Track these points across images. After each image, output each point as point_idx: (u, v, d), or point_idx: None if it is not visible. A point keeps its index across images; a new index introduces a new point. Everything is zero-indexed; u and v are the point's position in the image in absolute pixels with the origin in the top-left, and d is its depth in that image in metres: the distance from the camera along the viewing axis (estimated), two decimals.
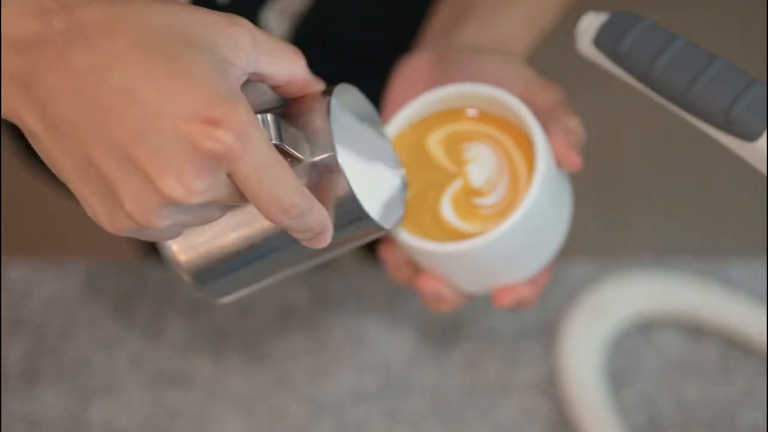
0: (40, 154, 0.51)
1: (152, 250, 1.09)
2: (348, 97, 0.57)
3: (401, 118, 0.64)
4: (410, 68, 0.68)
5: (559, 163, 0.62)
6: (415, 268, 0.65)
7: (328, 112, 0.54)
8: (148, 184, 0.48)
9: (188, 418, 0.87)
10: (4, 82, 0.49)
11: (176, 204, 0.49)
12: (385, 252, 0.65)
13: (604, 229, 1.88)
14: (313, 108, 0.55)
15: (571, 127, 0.63)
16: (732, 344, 0.87)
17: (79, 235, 1.60)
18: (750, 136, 0.55)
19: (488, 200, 0.62)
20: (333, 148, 0.54)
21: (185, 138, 0.47)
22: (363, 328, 0.90)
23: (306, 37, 0.82)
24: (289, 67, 0.54)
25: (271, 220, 0.51)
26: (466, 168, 0.63)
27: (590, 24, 0.61)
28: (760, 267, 0.90)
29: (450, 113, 0.64)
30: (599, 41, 0.60)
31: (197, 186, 0.48)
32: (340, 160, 0.54)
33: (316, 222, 0.52)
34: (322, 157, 0.54)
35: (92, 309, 0.92)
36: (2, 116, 0.51)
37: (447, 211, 0.62)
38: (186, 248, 0.57)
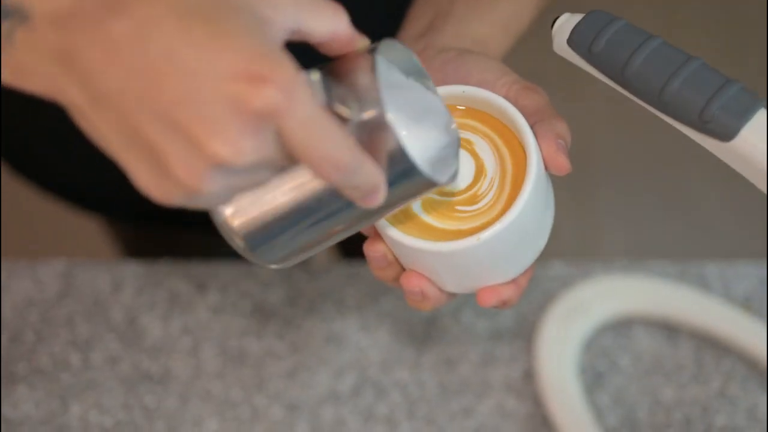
0: (85, 128, 0.50)
1: (128, 248, 1.09)
2: (394, 52, 0.56)
3: None
4: None
5: (548, 166, 0.62)
6: (398, 266, 0.65)
7: (374, 69, 0.53)
8: (195, 148, 0.47)
9: (165, 418, 0.87)
10: (44, 59, 0.49)
11: (225, 166, 0.48)
12: (369, 249, 0.65)
13: (580, 232, 1.88)
14: (359, 65, 0.53)
15: (560, 131, 0.63)
16: (706, 344, 0.87)
17: (53, 235, 1.59)
18: (725, 136, 0.55)
19: (466, 198, 0.62)
20: (381, 105, 0.52)
21: (230, 97, 0.47)
22: (340, 329, 0.90)
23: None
24: (332, 23, 0.53)
25: (321, 178, 0.50)
26: None
27: (565, 24, 0.61)
28: (733, 269, 0.91)
29: None
30: (574, 41, 0.59)
31: (245, 146, 0.47)
32: (388, 117, 0.52)
33: (368, 178, 0.51)
34: (370, 114, 0.52)
35: (68, 309, 0.91)
36: (44, 94, 0.50)
37: (418, 207, 0.62)
38: (238, 212, 0.55)
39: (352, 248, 0.68)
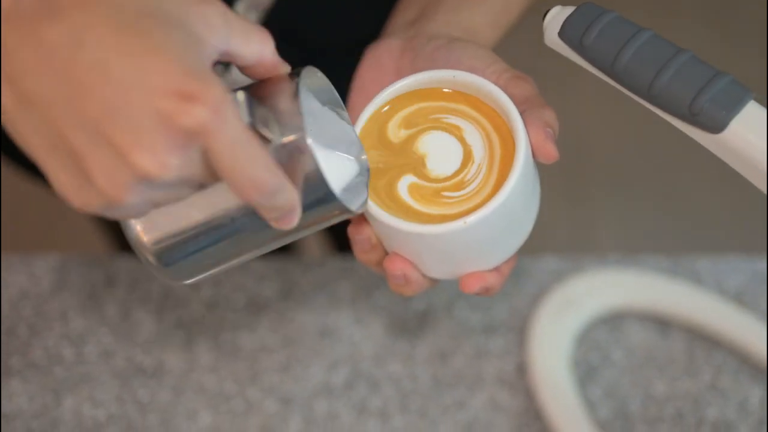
0: (9, 128, 0.50)
1: (122, 243, 1.09)
2: (314, 80, 0.57)
3: (378, 102, 0.64)
4: (379, 55, 0.69)
5: (536, 154, 0.62)
6: (382, 250, 0.65)
7: (297, 95, 0.54)
8: (120, 159, 0.47)
9: (159, 412, 0.87)
10: None
11: (149, 180, 0.48)
12: (354, 231, 0.65)
13: (573, 226, 1.88)
14: (282, 89, 0.55)
15: (548, 120, 0.63)
16: (698, 337, 0.87)
17: (47, 229, 1.59)
18: (715, 128, 0.56)
19: (453, 184, 0.62)
20: (302, 130, 0.53)
21: (160, 113, 0.47)
22: (332, 322, 0.90)
23: (273, 30, 0.82)
24: (259, 48, 0.54)
25: (242, 198, 0.51)
26: (429, 151, 0.63)
27: (557, 16, 0.61)
28: (725, 264, 0.91)
29: (423, 93, 0.64)
30: (565, 33, 0.60)
31: (171, 161, 0.48)
32: (309, 142, 0.54)
33: (287, 201, 0.52)
34: (291, 138, 0.54)
35: (62, 303, 0.91)
36: None
37: (405, 192, 0.62)
38: (150, 228, 0.56)
39: (346, 242, 0.68)
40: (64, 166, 0.49)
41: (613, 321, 0.89)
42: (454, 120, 0.63)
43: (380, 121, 0.64)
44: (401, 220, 0.61)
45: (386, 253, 0.65)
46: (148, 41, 0.48)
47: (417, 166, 0.63)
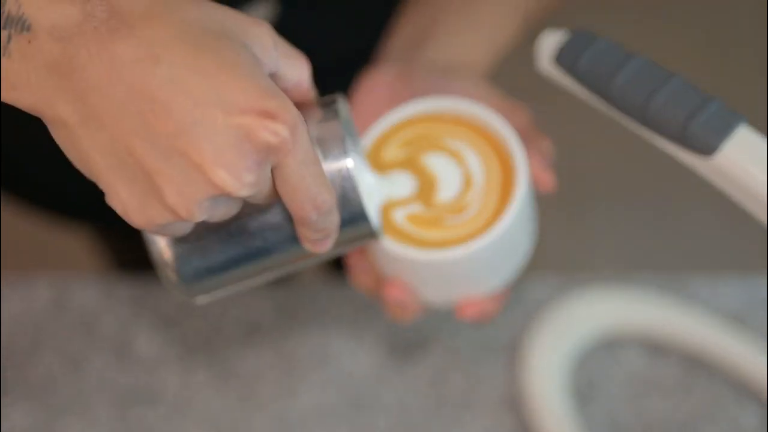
0: (64, 144, 0.50)
1: (118, 263, 1.09)
2: (344, 108, 0.58)
3: (377, 130, 0.64)
4: (374, 82, 0.69)
5: (535, 183, 0.63)
6: (379, 275, 0.65)
7: (338, 119, 0.56)
8: (196, 175, 0.48)
9: None
10: (40, 71, 0.48)
11: (224, 196, 0.49)
12: (351, 256, 0.65)
13: (568, 245, 1.88)
14: (323, 115, 0.56)
15: (545, 150, 0.65)
16: (695, 361, 0.87)
17: (44, 248, 1.59)
18: (706, 152, 0.57)
19: (452, 208, 0.62)
20: (346, 154, 0.55)
21: (240, 129, 0.47)
22: (328, 345, 0.90)
23: None
24: (300, 72, 0.55)
25: (300, 217, 0.52)
26: (434, 176, 0.63)
27: (549, 42, 0.62)
28: (722, 283, 0.91)
29: (422, 119, 0.65)
30: (558, 60, 0.61)
31: (248, 178, 0.48)
32: (351, 167, 0.55)
33: (332, 223, 0.54)
34: (334, 162, 0.55)
35: (58, 325, 0.91)
36: (32, 108, 0.49)
37: (403, 216, 0.62)
38: (174, 244, 0.56)
39: (341, 263, 0.68)
40: (129, 183, 0.49)
41: (609, 343, 0.89)
42: (453, 144, 0.63)
43: (379, 146, 0.64)
44: (402, 246, 0.61)
45: (382, 279, 0.65)
46: (221, 59, 0.48)
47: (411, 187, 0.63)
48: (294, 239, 0.56)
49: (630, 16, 2.12)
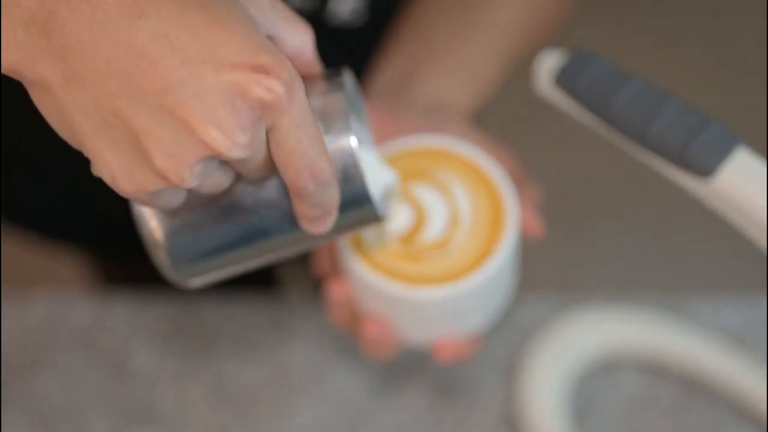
0: (47, 109, 0.47)
1: (115, 278, 1.09)
2: (350, 83, 0.56)
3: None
4: None
5: (524, 229, 0.64)
6: (357, 310, 0.64)
7: (342, 94, 0.53)
8: (186, 135, 0.45)
9: None
10: (16, 28, 0.45)
11: (215, 157, 0.46)
12: (331, 288, 0.64)
13: (565, 265, 1.87)
14: (327, 88, 0.53)
15: (534, 195, 0.65)
16: (695, 381, 0.87)
17: (42, 264, 1.59)
18: (704, 174, 0.57)
19: (437, 244, 0.62)
20: (349, 130, 0.52)
21: (232, 86, 0.45)
22: (325, 363, 0.90)
23: None
24: (301, 39, 0.53)
25: (296, 187, 0.49)
26: (424, 209, 0.63)
27: (547, 63, 0.62)
28: (723, 303, 0.91)
29: (411, 154, 0.65)
30: (557, 81, 0.61)
31: (241, 137, 0.45)
32: (354, 144, 0.52)
33: (332, 198, 0.50)
34: (335, 137, 0.52)
35: (55, 342, 0.91)
36: (11, 69, 0.46)
37: (384, 251, 0.62)
38: (166, 222, 0.53)
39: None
40: (116, 147, 0.46)
41: (607, 365, 0.88)
42: (442, 178, 0.63)
43: None
44: (387, 280, 0.60)
45: (360, 314, 0.64)
46: (211, 14, 0.46)
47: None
48: (291, 219, 0.53)
49: (627, 34, 2.12)
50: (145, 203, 0.49)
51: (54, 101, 0.46)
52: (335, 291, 0.64)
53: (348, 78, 0.55)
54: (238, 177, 0.51)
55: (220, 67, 0.45)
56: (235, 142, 0.45)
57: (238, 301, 0.93)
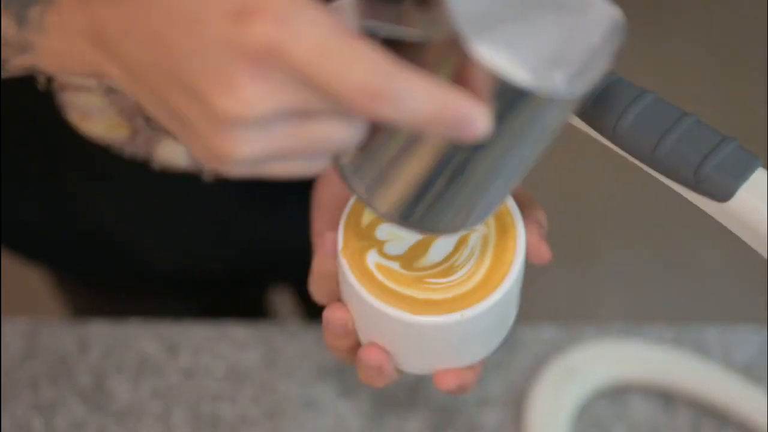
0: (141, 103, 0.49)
1: (93, 308, 1.08)
2: None
3: None
4: None
5: (530, 254, 0.63)
6: (355, 336, 0.63)
7: None
8: (207, 109, 0.44)
9: None
10: (75, 42, 0.48)
11: (240, 123, 0.44)
12: (330, 314, 0.63)
13: (573, 293, 1.87)
14: None
15: (541, 220, 0.64)
16: (705, 412, 0.87)
17: (15, 292, 1.58)
18: (721, 197, 0.56)
19: (442, 270, 0.61)
20: (448, 17, 0.45)
21: (222, 41, 0.44)
22: (317, 394, 0.89)
23: None
24: None
25: (364, 113, 0.44)
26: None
27: None
28: (734, 334, 0.91)
29: None
30: None
31: (251, 94, 0.44)
32: (458, 27, 0.45)
33: (429, 100, 0.44)
34: (437, 30, 0.46)
35: (31, 370, 0.91)
36: (89, 76, 0.50)
37: (382, 271, 0.61)
38: (371, 187, 0.51)
39: (315, 309, 0.67)
40: (183, 132, 0.47)
41: (616, 394, 0.89)
42: None
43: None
44: (388, 306, 0.59)
45: (358, 341, 0.64)
46: None
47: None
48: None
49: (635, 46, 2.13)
50: (247, 174, 0.47)
51: (136, 96, 0.49)
52: (334, 315, 0.63)
53: None
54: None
55: (209, 24, 0.44)
56: (246, 101, 0.44)
57: (230, 331, 0.93)
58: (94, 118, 0.82)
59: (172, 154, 0.84)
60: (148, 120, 0.81)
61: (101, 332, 0.93)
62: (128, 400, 0.90)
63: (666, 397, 0.88)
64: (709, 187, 0.56)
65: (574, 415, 0.87)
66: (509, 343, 0.90)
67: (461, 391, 0.63)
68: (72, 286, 1.09)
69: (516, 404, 0.88)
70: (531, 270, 0.64)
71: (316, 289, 0.67)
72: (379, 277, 0.60)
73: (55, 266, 1.04)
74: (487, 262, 0.61)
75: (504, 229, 0.62)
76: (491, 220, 0.62)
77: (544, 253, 0.64)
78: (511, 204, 0.62)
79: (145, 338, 0.92)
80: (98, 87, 0.79)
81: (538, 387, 0.87)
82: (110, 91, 0.79)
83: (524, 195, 0.65)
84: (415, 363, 0.64)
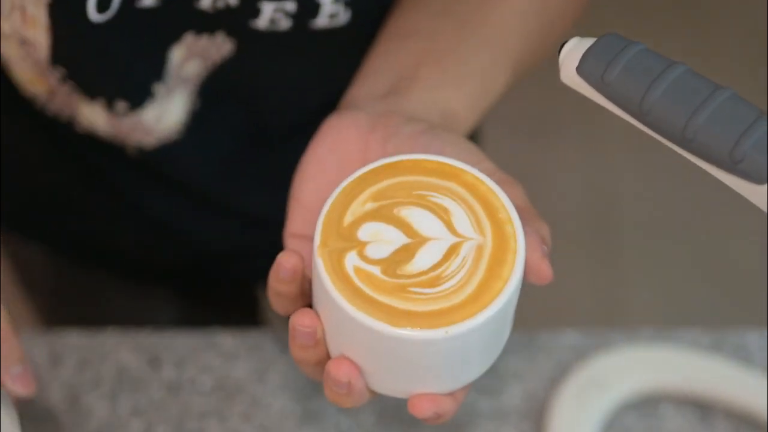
0: None
1: (69, 316, 1.09)
2: None
3: (351, 178, 0.63)
4: (341, 126, 0.68)
5: (530, 273, 0.62)
6: (324, 348, 0.63)
7: None
8: None
9: None
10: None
11: None
12: (298, 321, 0.63)
13: (598, 296, 1.90)
14: None
15: (544, 235, 0.64)
16: (745, 424, 0.87)
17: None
18: (759, 179, 0.55)
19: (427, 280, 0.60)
20: None
21: None
22: (315, 408, 0.89)
23: (220, 86, 0.84)
24: None
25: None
26: (421, 236, 0.61)
27: (574, 49, 0.60)
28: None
29: (403, 166, 0.64)
30: (584, 69, 0.59)
31: None
32: None
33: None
34: None
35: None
36: None
37: (361, 277, 0.60)
38: None
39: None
40: None
41: (646, 406, 0.89)
42: (440, 200, 0.62)
43: (349, 199, 0.62)
44: (365, 315, 0.58)
45: (327, 353, 0.63)
46: None
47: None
48: None
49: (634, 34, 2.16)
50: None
51: None
52: (302, 321, 0.62)
53: None
54: None
55: None
56: None
57: (218, 342, 0.93)
58: (16, 69, 0.84)
59: (93, 118, 0.86)
60: (64, 80, 0.82)
61: (75, 343, 0.92)
62: (105, 418, 0.89)
63: (702, 408, 0.88)
64: (747, 168, 0.55)
65: (601, 429, 0.87)
66: (529, 350, 0.90)
67: (438, 420, 0.62)
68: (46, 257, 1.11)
69: (536, 417, 0.88)
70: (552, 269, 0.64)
71: (272, 303, 0.66)
72: (357, 282, 0.60)
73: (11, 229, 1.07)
74: (480, 274, 0.60)
75: (503, 239, 0.61)
76: (488, 228, 0.61)
77: (546, 272, 0.62)
78: (512, 212, 0.61)
79: (123, 349, 0.92)
80: (12, 35, 0.79)
81: (561, 398, 0.87)
82: (24, 43, 0.80)
83: (522, 202, 0.64)
84: (389, 383, 0.63)
